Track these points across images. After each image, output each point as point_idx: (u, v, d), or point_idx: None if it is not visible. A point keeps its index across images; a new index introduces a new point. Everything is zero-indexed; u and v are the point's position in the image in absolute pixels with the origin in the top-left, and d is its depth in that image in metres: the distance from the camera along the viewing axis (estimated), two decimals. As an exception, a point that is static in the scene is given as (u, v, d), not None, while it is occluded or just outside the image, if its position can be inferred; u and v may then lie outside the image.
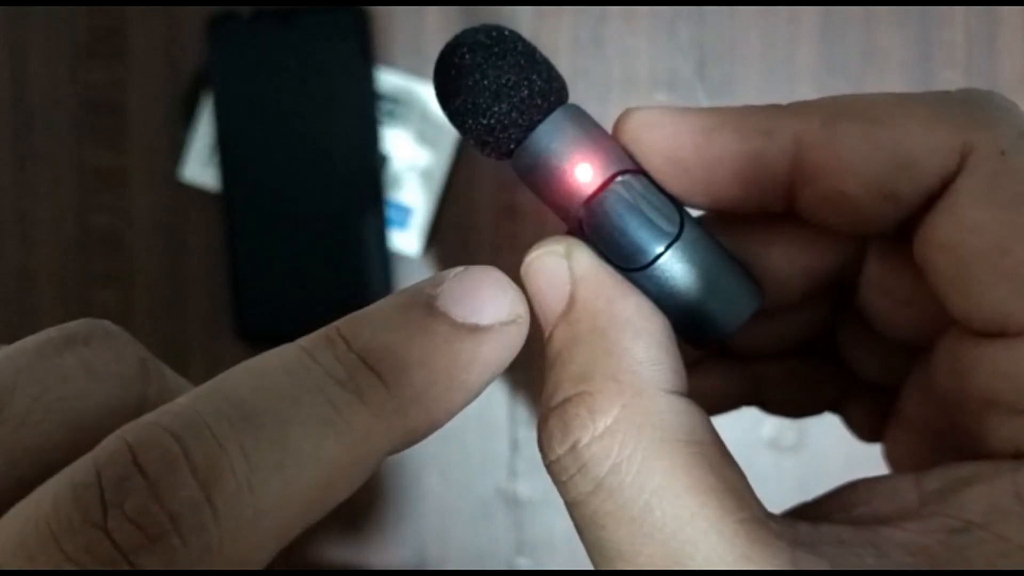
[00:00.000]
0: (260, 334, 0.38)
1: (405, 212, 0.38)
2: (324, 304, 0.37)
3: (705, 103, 0.38)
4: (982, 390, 0.15)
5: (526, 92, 0.16)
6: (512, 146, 0.17)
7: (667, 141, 0.16)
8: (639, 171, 0.16)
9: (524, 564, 0.39)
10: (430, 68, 0.41)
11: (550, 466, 0.15)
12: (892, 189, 0.14)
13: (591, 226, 0.16)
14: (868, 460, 0.22)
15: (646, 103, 0.38)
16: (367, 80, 0.37)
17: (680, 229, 0.16)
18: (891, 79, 0.38)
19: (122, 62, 0.39)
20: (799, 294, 0.18)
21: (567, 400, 0.15)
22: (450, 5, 0.38)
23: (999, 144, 0.14)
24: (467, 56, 0.16)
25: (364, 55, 0.37)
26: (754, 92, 0.38)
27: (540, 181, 0.17)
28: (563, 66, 0.38)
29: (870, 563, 0.13)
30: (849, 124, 0.15)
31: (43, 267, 0.39)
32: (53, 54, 0.39)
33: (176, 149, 0.39)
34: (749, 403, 0.22)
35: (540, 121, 0.16)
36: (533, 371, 0.37)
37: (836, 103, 0.15)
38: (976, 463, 0.15)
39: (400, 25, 0.39)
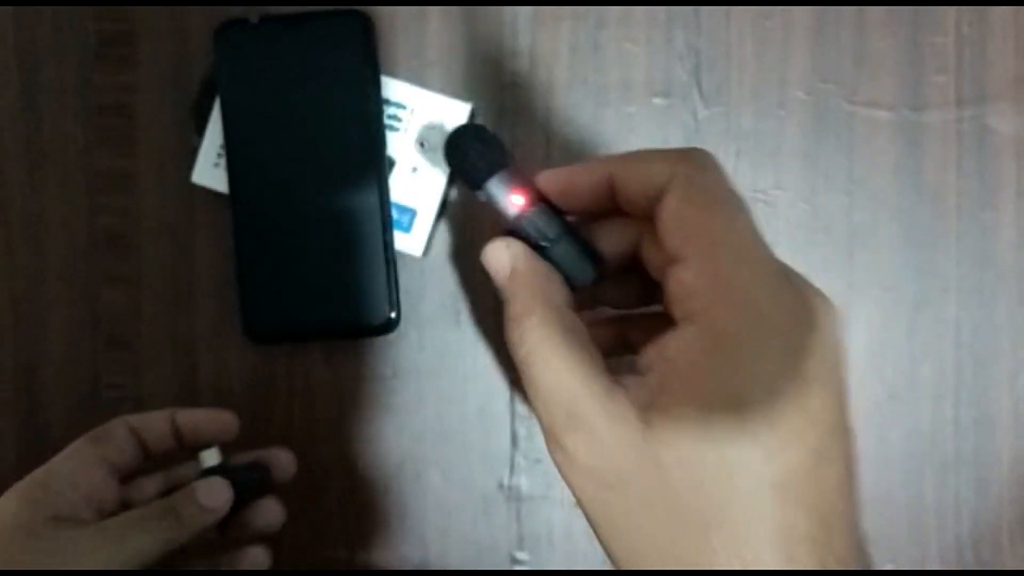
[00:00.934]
0: (267, 335, 0.38)
1: (409, 214, 0.38)
2: (330, 305, 0.38)
3: (701, 107, 0.39)
4: (669, 294, 0.26)
5: (486, 161, 0.30)
6: (480, 185, 0.30)
7: (553, 184, 0.30)
8: (544, 199, 0.30)
9: (524, 558, 0.40)
10: (433, 73, 0.41)
11: (510, 348, 0.27)
12: (644, 194, 0.27)
13: (520, 229, 0.29)
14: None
15: (643, 107, 0.39)
16: (372, 84, 0.38)
17: (563, 229, 0.29)
18: (883, 83, 0.39)
19: (131, 66, 0.40)
20: (627, 262, 0.30)
21: (515, 314, 0.27)
22: (451, 5, 0.39)
23: (688, 173, 0.26)
24: (457, 142, 0.32)
25: (369, 59, 0.38)
26: (748, 95, 0.39)
27: (493, 205, 0.30)
28: (561, 71, 0.39)
29: (603, 386, 0.25)
30: (625, 165, 0.28)
31: (53, 268, 0.40)
32: (63, 58, 0.40)
33: (184, 152, 0.39)
34: (633, 352, 0.31)
35: (493, 174, 0.30)
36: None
37: (623, 156, 0.29)
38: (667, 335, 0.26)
39: (404, 31, 0.39)
